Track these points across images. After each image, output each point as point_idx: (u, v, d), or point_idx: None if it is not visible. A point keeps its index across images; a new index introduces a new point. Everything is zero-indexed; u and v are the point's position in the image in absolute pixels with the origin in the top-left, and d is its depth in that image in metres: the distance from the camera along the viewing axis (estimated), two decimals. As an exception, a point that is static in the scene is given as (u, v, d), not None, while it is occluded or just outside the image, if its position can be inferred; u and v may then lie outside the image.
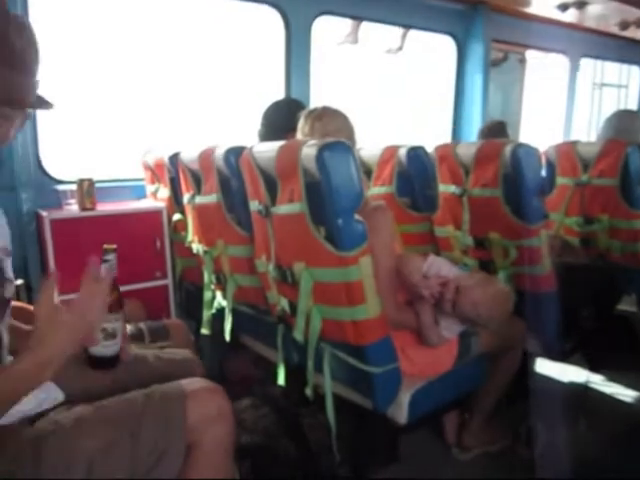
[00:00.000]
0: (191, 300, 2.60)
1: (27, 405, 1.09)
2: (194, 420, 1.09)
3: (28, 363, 0.94)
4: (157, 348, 1.89)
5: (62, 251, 2.28)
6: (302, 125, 1.91)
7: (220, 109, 3.65)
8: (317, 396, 1.74)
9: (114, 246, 1.20)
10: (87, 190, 2.32)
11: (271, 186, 1.70)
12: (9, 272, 1.11)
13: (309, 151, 1.49)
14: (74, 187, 2.41)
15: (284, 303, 1.74)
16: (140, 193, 2.81)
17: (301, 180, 1.53)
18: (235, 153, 1.88)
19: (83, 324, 0.98)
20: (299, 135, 1.92)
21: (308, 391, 1.72)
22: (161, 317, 2.53)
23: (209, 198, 2.03)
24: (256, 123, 2.49)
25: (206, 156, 2.02)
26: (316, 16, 3.35)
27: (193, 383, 1.17)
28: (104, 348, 1.17)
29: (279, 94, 3.35)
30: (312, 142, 1.51)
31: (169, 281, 2.56)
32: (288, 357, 1.88)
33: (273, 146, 1.66)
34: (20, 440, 1.03)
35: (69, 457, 1.01)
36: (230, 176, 1.92)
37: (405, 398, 1.66)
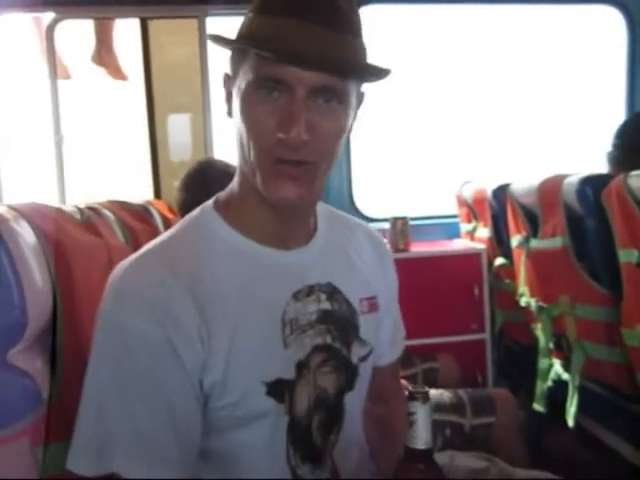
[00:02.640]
0: (513, 360, 2.21)
1: None
2: None
3: None
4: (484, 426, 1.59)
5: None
6: None
7: (545, 129, 3.13)
8: None
9: (426, 389, 0.66)
10: (401, 230, 2.11)
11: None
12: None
13: None
14: (386, 225, 2.23)
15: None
16: (452, 232, 2.52)
17: None
18: (594, 184, 1.47)
19: None
20: None
21: None
22: (476, 375, 2.21)
23: (550, 242, 1.66)
24: (599, 144, 1.99)
25: (549, 188, 1.64)
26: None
27: None
28: None
29: (616, 109, 2.77)
30: None
31: (487, 335, 2.20)
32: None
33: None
34: None
35: None
36: (584, 215, 1.53)
37: None
